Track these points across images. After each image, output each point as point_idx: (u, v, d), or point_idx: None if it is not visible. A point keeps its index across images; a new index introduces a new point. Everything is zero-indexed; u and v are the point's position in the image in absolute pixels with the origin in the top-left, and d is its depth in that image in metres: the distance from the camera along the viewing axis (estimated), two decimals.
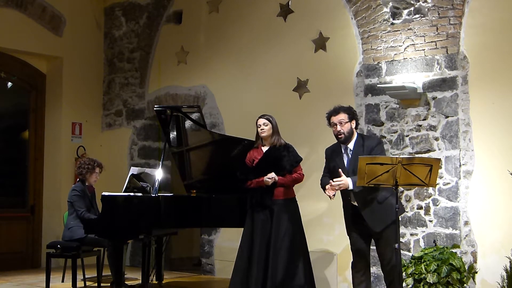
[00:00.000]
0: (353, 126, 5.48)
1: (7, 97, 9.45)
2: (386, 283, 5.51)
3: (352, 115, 5.49)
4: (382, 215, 5.27)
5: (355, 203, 5.37)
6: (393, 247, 5.10)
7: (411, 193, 6.69)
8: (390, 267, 5.29)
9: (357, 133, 5.56)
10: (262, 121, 6.10)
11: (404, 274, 5.88)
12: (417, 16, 6.75)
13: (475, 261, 6.29)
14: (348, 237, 5.63)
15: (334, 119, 5.47)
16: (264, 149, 6.14)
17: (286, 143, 6.14)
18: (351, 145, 5.46)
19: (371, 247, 5.56)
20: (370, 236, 5.45)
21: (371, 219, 5.30)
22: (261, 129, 6.08)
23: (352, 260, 5.61)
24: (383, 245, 5.35)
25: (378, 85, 6.95)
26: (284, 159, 6.03)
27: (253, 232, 5.98)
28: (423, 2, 6.69)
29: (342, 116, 5.45)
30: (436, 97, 6.62)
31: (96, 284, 7.31)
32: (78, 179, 7.34)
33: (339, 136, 5.44)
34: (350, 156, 5.45)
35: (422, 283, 5.94)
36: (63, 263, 7.71)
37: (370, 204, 5.31)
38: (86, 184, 7.24)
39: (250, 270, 5.91)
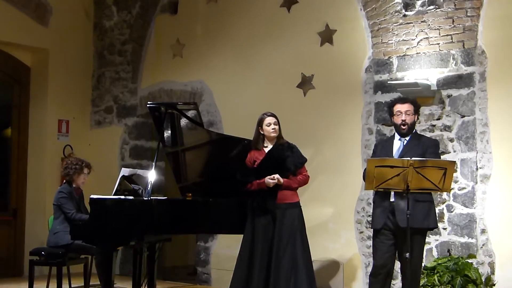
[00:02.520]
0: (415, 120, 5.55)
1: None
2: None
3: (417, 108, 5.57)
4: (414, 214, 5.20)
5: (392, 199, 5.34)
6: (405, 256, 5.10)
7: None
8: (410, 278, 5.27)
9: (415, 130, 5.61)
10: (273, 120, 6.07)
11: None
12: (431, 7, 6.75)
13: (492, 273, 6.29)
14: (372, 238, 5.62)
15: (401, 107, 5.52)
16: (266, 149, 6.13)
17: (290, 143, 6.13)
18: (407, 137, 5.52)
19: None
20: (395, 245, 5.43)
21: (401, 213, 5.23)
22: (272, 129, 6.05)
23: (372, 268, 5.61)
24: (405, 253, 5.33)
25: (388, 82, 6.96)
26: (288, 159, 6.02)
27: (254, 238, 5.97)
28: None
29: (409, 107, 5.51)
30: (452, 95, 6.62)
31: None
32: (64, 181, 7.34)
33: (403, 127, 5.47)
34: (403, 144, 5.47)
35: None
36: (47, 271, 7.70)
37: (406, 200, 5.26)
38: (74, 185, 7.23)
39: (250, 279, 5.90)
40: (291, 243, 5.88)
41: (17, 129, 9.48)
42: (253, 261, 5.92)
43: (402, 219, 5.23)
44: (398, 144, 5.53)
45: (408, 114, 5.48)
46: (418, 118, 5.66)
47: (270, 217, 5.93)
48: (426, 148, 5.39)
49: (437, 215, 6.55)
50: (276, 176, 5.91)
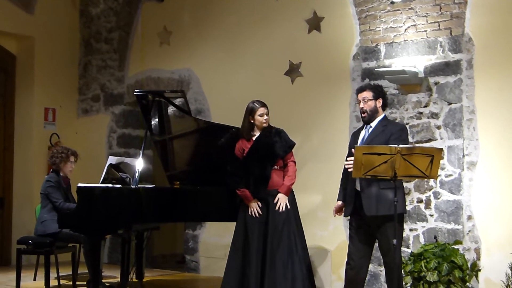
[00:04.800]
0: (379, 105, 5.55)
1: None
2: (386, 281, 5.56)
3: (378, 93, 5.58)
4: (380, 201, 5.30)
5: (359, 188, 5.42)
6: (391, 243, 5.15)
7: (410, 185, 6.74)
8: (393, 265, 5.33)
9: (384, 115, 5.61)
10: (266, 110, 6.02)
11: (402, 272, 5.92)
12: None
13: (478, 258, 6.36)
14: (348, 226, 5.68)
15: (359, 96, 5.60)
16: (255, 138, 6.11)
17: (277, 128, 6.13)
18: (373, 123, 5.55)
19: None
20: (372, 235, 5.49)
21: (367, 202, 5.33)
22: (265, 119, 6.04)
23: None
24: (384, 241, 5.39)
25: (376, 69, 6.99)
26: (276, 145, 6.01)
27: (247, 227, 5.94)
28: None
29: (366, 94, 5.55)
30: (439, 82, 6.66)
31: (71, 283, 7.32)
32: (51, 170, 7.34)
33: (363, 115, 5.55)
34: (368, 132, 5.53)
35: (421, 282, 5.99)
36: (35, 260, 7.73)
37: (371, 188, 5.34)
38: (61, 174, 7.23)
39: (247, 268, 5.86)
40: (286, 230, 5.87)
41: (3, 118, 9.44)
42: (248, 249, 5.89)
43: (368, 208, 5.32)
44: (362, 135, 5.58)
45: (366, 101, 5.52)
46: (384, 103, 5.59)
47: (263, 204, 5.94)
48: (390, 135, 5.41)
49: (423, 201, 6.66)
50: (281, 205, 5.91)
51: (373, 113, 5.53)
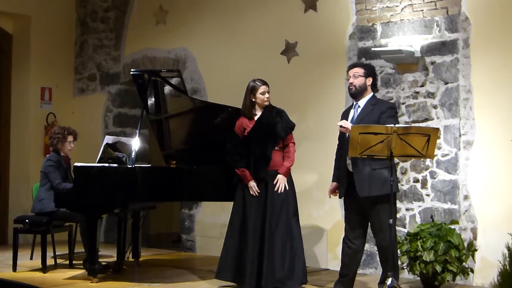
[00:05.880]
0: (368, 83, 5.52)
1: None
2: (380, 261, 5.54)
3: (369, 71, 5.57)
4: (372, 182, 5.27)
5: (351, 169, 5.38)
6: (387, 222, 5.11)
7: (407, 165, 6.71)
8: (385, 245, 5.31)
9: (373, 93, 5.57)
10: (267, 88, 6.00)
11: (398, 251, 5.91)
12: None
13: (475, 238, 6.34)
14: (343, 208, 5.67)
15: (350, 72, 5.58)
16: (256, 117, 6.05)
17: (278, 108, 6.08)
18: (361, 103, 5.51)
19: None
20: (365, 216, 5.46)
21: (360, 183, 5.31)
22: (266, 97, 6.00)
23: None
24: (376, 222, 5.37)
25: (372, 49, 6.93)
26: (278, 125, 5.98)
27: (245, 206, 5.93)
28: None
29: (358, 70, 5.54)
30: (435, 62, 6.60)
31: (67, 262, 7.31)
32: (52, 149, 7.28)
33: (350, 88, 5.52)
34: (357, 112, 5.50)
35: (418, 262, 5.97)
36: (31, 239, 7.69)
37: (364, 168, 5.31)
38: (62, 154, 7.18)
39: (244, 248, 5.85)
40: (285, 211, 5.87)
41: None
42: (246, 228, 5.89)
43: (360, 189, 5.30)
44: (351, 114, 5.55)
45: (356, 77, 5.50)
46: (374, 83, 5.57)
47: (262, 185, 5.91)
48: (380, 114, 5.38)
49: (420, 181, 6.62)
50: (280, 186, 5.86)
51: (362, 90, 5.50)
